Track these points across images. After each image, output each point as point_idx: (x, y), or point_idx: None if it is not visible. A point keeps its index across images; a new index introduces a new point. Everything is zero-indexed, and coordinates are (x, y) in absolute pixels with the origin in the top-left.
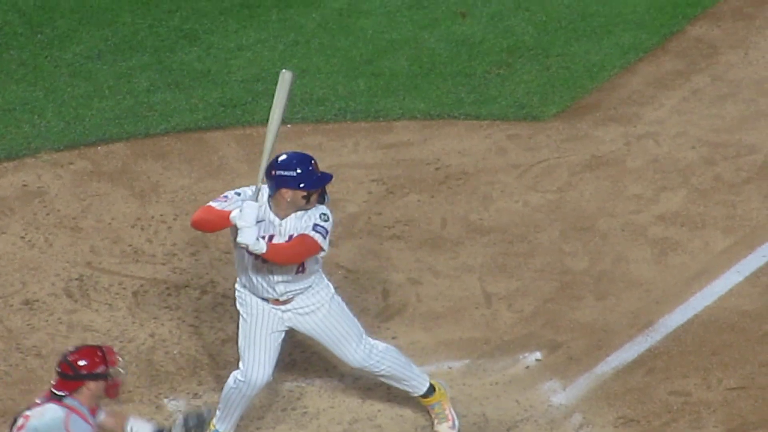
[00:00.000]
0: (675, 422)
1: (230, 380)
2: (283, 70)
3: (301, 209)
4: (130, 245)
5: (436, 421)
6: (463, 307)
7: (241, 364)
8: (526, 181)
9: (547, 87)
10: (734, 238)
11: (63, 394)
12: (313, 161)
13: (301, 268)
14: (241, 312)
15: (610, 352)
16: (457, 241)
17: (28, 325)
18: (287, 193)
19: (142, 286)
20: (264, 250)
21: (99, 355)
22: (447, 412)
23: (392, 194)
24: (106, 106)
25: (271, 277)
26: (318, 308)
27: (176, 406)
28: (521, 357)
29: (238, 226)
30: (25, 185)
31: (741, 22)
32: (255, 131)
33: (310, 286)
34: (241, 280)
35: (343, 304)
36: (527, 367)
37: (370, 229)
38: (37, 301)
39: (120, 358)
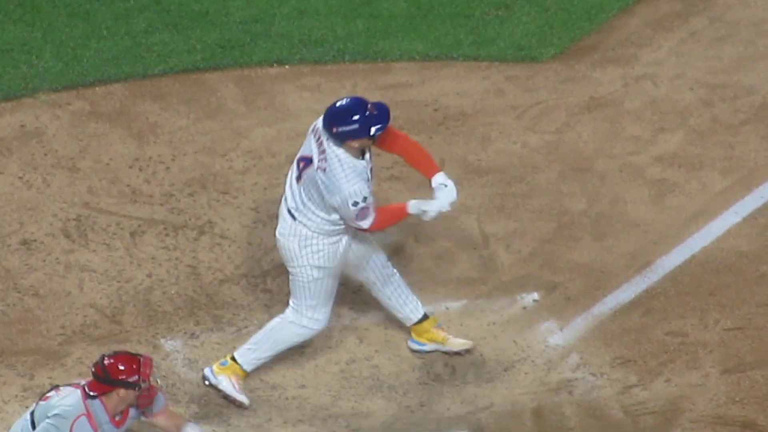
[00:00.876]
0: (672, 362)
1: (292, 328)
2: None
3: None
4: (128, 186)
5: (450, 338)
6: (461, 247)
7: (310, 312)
8: (525, 122)
9: (545, 28)
10: (732, 179)
11: (94, 394)
12: (368, 105)
13: None
14: (319, 264)
15: (607, 292)
16: (455, 182)
17: (25, 265)
18: (354, 143)
19: (139, 226)
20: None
21: (135, 364)
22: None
23: None
24: (104, 47)
25: None
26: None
27: (173, 346)
28: (519, 297)
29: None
30: (23, 126)
31: None
32: (253, 72)
33: None
34: (326, 228)
35: None
36: (525, 308)
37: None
38: (35, 241)
39: (156, 370)
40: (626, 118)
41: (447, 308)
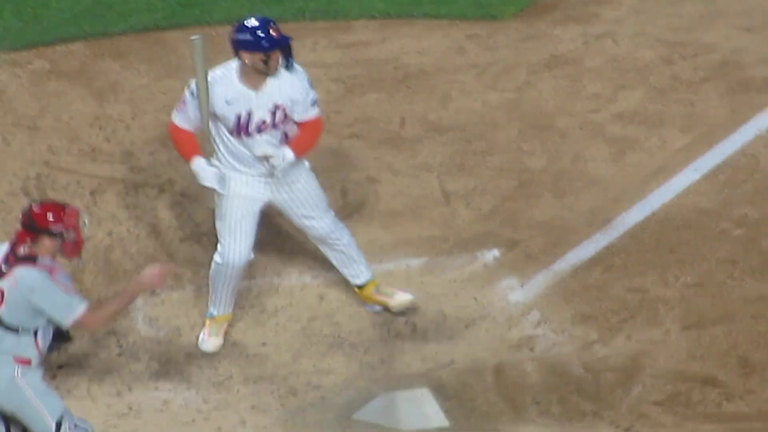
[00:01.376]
0: (632, 319)
1: (212, 265)
2: (193, 37)
3: (269, 75)
4: (88, 144)
5: (390, 300)
6: (422, 205)
7: (219, 246)
8: (485, 80)
9: None
10: (692, 136)
11: (23, 247)
12: (271, 24)
13: (284, 137)
14: (219, 192)
15: (567, 249)
16: (415, 140)
17: None
18: (245, 56)
19: (99, 185)
20: (292, 158)
21: (59, 213)
22: (390, 289)
23: (351, 93)
24: (65, 6)
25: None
26: (297, 180)
27: (134, 305)
28: (479, 255)
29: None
30: None
31: None
32: (213, 30)
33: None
34: (222, 159)
35: (316, 178)
36: (485, 265)
37: (329, 128)
38: None
39: (85, 221)
40: (587, 76)
41: (408, 266)
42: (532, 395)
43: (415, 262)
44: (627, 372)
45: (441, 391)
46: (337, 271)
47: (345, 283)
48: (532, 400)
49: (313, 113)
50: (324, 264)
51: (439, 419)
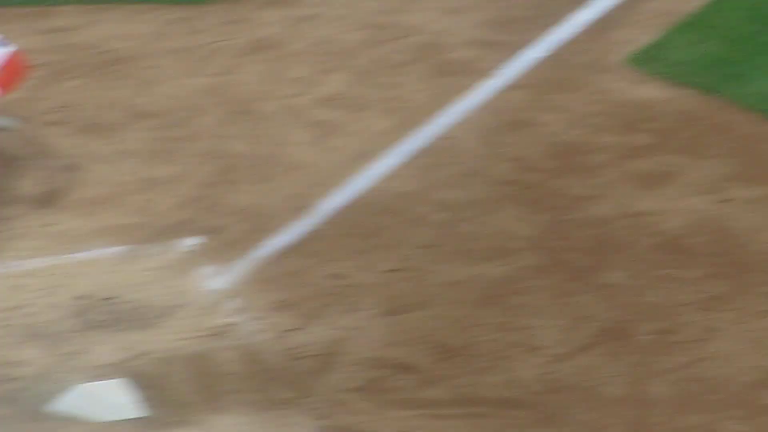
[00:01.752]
0: (332, 305)
1: None
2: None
3: None
4: None
5: None
6: (122, 192)
7: None
8: (188, 65)
9: None
10: (394, 120)
11: None
12: None
13: None
14: None
15: (268, 236)
16: (117, 126)
17: None
18: None
19: None
20: None
21: None
22: None
23: (52, 80)
24: None
25: None
26: None
27: None
28: (178, 242)
29: None
30: None
31: None
32: None
33: None
34: None
35: None
36: (184, 253)
37: (29, 115)
38: None
39: None
40: (290, 60)
41: (106, 255)
42: (229, 384)
43: (114, 251)
44: (325, 359)
45: (138, 381)
46: (35, 260)
47: (42, 275)
48: (230, 389)
49: (3, 51)
50: (28, 253)
51: (135, 409)
